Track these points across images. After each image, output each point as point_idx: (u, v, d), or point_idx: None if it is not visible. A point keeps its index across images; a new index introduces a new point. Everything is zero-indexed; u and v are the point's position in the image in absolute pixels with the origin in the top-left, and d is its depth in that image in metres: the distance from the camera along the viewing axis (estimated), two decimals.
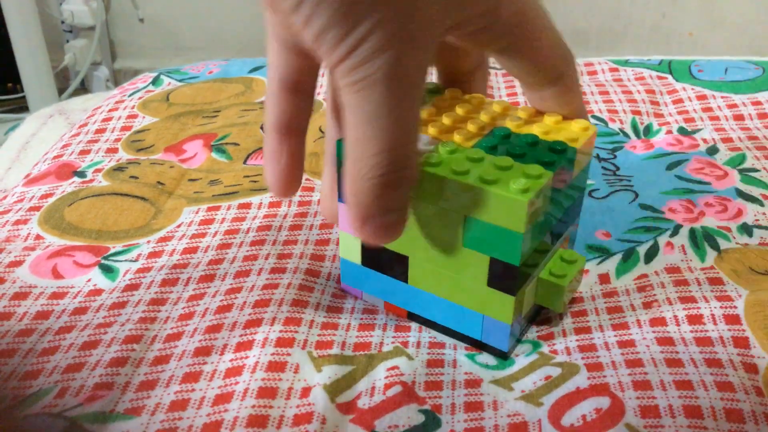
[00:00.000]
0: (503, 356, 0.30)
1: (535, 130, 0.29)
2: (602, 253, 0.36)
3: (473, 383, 0.29)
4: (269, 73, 0.29)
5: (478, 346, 0.31)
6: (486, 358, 0.30)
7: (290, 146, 0.30)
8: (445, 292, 0.30)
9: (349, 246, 0.32)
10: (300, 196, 0.42)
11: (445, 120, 0.30)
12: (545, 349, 0.30)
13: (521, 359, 0.30)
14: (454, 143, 0.28)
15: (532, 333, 0.32)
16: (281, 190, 0.30)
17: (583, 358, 0.29)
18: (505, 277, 0.28)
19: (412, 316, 0.32)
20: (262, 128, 0.51)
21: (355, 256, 0.32)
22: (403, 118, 0.24)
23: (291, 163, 0.30)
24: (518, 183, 0.26)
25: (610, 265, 0.35)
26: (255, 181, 0.44)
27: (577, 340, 0.30)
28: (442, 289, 0.30)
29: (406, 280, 0.31)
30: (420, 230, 0.29)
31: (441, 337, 0.31)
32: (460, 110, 0.31)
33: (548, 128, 0.30)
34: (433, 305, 0.31)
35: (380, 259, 0.31)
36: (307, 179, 0.43)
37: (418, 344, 0.31)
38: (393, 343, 0.31)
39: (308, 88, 0.29)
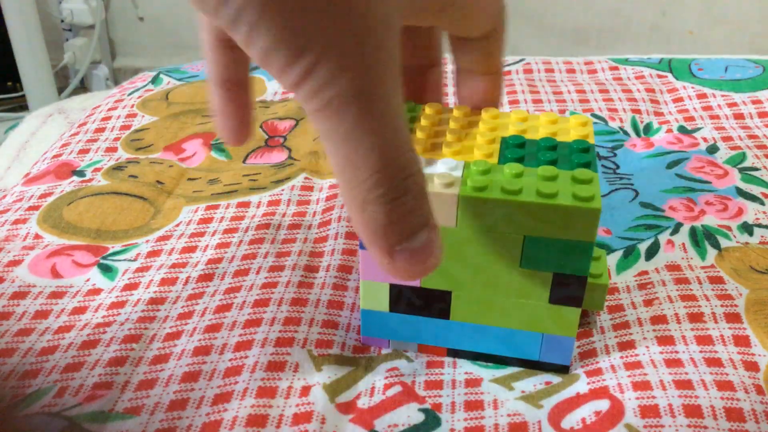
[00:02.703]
0: (564, 370, 0.29)
1: (542, 132, 0.28)
2: (602, 249, 0.36)
3: (473, 382, 0.29)
4: (201, 28, 0.29)
5: (533, 366, 0.29)
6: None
7: (236, 99, 0.30)
8: (495, 320, 0.28)
9: (372, 294, 0.29)
10: (299, 195, 0.42)
11: (449, 137, 0.28)
12: None
13: None
14: (483, 161, 0.26)
15: None
16: (234, 140, 0.31)
17: (582, 366, 0.29)
18: (571, 290, 0.26)
19: (452, 352, 0.30)
20: (261, 127, 0.50)
21: (382, 304, 0.29)
22: (390, 128, 0.21)
23: (240, 114, 0.31)
24: (580, 191, 0.24)
25: (611, 260, 0.35)
26: (254, 180, 0.44)
27: (578, 347, 0.30)
28: (491, 317, 0.28)
29: (447, 317, 0.28)
30: (465, 261, 0.27)
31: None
32: (453, 124, 0.29)
33: (552, 128, 0.29)
34: (479, 336, 0.29)
35: (413, 301, 0.28)
36: (306, 178, 0.43)
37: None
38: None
39: None
